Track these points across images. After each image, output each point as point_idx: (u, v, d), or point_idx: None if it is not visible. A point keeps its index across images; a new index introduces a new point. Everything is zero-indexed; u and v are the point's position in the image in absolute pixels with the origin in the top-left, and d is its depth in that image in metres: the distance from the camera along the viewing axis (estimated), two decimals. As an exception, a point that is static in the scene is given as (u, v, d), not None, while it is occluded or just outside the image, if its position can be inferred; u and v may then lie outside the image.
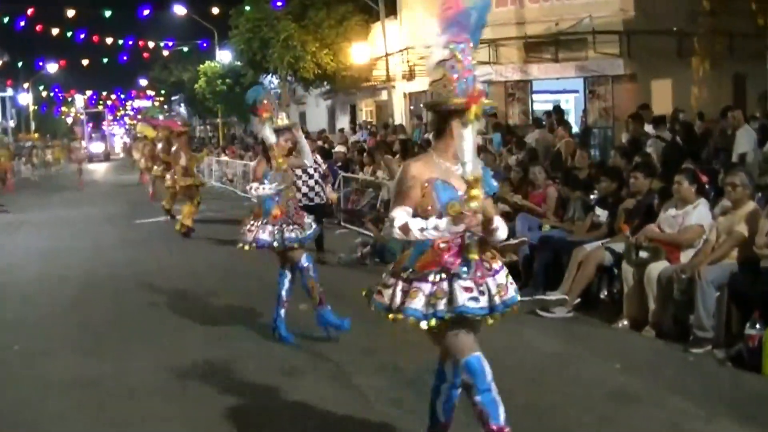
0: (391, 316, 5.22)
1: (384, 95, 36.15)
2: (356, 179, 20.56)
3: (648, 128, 17.20)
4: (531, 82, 28.99)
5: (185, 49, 62.81)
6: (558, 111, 22.45)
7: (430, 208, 5.19)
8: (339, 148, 26.18)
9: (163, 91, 79.28)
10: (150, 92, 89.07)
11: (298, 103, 52.84)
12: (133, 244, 18.33)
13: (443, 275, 5.19)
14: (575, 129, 22.88)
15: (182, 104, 78.86)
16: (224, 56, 52.96)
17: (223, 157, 40.38)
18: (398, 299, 5.22)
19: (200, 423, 7.24)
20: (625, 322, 9.76)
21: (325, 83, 39.42)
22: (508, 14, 28.55)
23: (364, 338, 9.31)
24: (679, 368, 8.27)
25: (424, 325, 5.11)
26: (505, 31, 28.61)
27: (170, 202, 21.98)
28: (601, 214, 11.31)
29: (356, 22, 36.88)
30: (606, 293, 11.03)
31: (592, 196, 12.29)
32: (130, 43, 52.52)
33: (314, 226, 9.90)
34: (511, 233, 12.12)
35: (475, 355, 5.37)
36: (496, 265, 5.45)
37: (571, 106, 29.83)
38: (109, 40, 50.73)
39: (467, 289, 5.16)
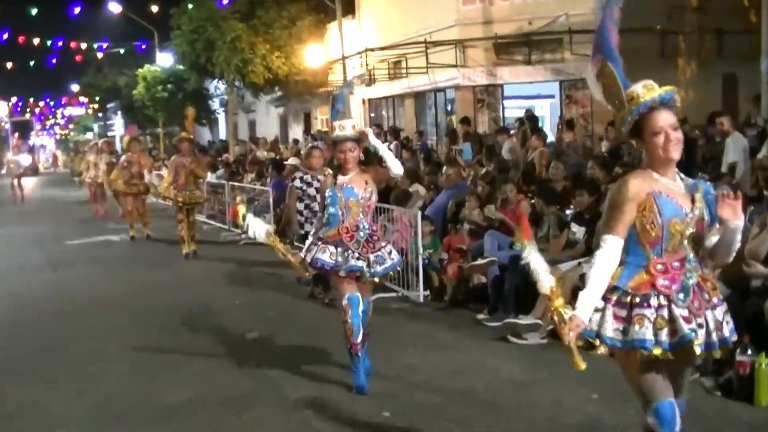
0: (602, 347, 5.32)
1: (341, 102, 36.14)
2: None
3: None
4: (502, 86, 29.08)
5: (121, 51, 62.54)
6: (531, 118, 22.54)
7: (651, 225, 5.12)
8: (292, 160, 26.13)
9: (97, 98, 78.74)
10: (83, 99, 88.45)
11: (247, 111, 52.83)
12: (62, 267, 18.19)
13: (662, 300, 5.10)
14: (550, 138, 22.95)
15: (119, 112, 78.42)
16: (165, 59, 52.73)
17: (164, 171, 40.18)
18: (611, 325, 5.20)
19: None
20: (604, 349, 9.76)
21: (277, 89, 39.38)
22: (475, 12, 28.70)
23: (316, 370, 9.35)
24: (662, 398, 8.29)
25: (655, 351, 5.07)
26: (473, 32, 28.75)
27: (140, 220, 22.39)
28: (578, 230, 11.36)
29: (310, 21, 36.89)
30: (583, 317, 11.04)
31: (567, 212, 12.34)
32: (60, 44, 52.32)
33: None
34: (479, 252, 12.18)
35: (669, 400, 5.29)
36: (716, 298, 5.28)
37: (546, 112, 29.99)
38: (36, 41, 50.45)
39: (686, 319, 5.05)
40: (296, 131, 43.63)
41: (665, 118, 5.12)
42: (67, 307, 13.70)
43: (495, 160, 16.90)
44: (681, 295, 5.10)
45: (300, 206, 13.15)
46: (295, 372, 9.53)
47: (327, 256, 8.62)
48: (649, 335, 5.06)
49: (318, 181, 10.29)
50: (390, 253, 8.92)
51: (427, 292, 13.08)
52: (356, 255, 8.63)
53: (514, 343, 10.39)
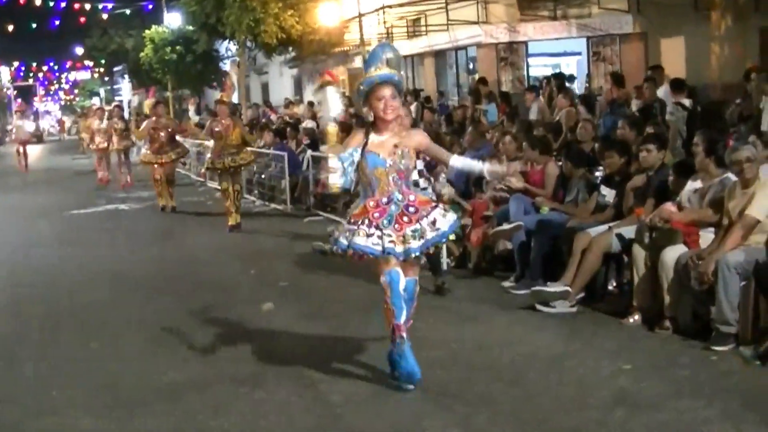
0: None
1: (358, 62, 36.03)
2: (326, 158, 20.40)
3: (661, 92, 17.14)
4: (526, 43, 28.98)
5: (127, 11, 62.57)
6: (558, 76, 22.43)
7: None
8: (307, 123, 26.11)
9: (102, 61, 78.81)
10: (88, 62, 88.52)
11: (260, 73, 52.76)
12: (67, 239, 18.22)
13: None
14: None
15: (125, 76, 78.47)
16: (173, 20, 52.71)
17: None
18: None
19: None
20: (637, 317, 9.71)
21: (290, 49, 39.25)
22: (498, -35, 28.49)
23: (332, 343, 9.40)
24: (699, 369, 8.22)
25: None
26: (496, -14, 28.58)
27: (167, 189, 21.63)
28: (607, 194, 11.26)
29: (324, -22, 36.69)
30: (615, 284, 11.02)
31: (596, 174, 12.25)
32: (63, 5, 52.25)
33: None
34: (504, 217, 12.11)
35: None
36: None
37: (573, 70, 29.84)
38: (37, 2, 50.41)
39: None
40: (311, 93, 43.53)
41: None
42: (71, 282, 13.65)
43: (518, 121, 16.77)
44: None
45: None
46: (309, 346, 9.50)
47: (363, 239, 7.63)
48: None
49: None
50: (434, 222, 7.78)
51: (450, 260, 13.00)
52: (389, 233, 7.64)
53: (542, 312, 10.32)
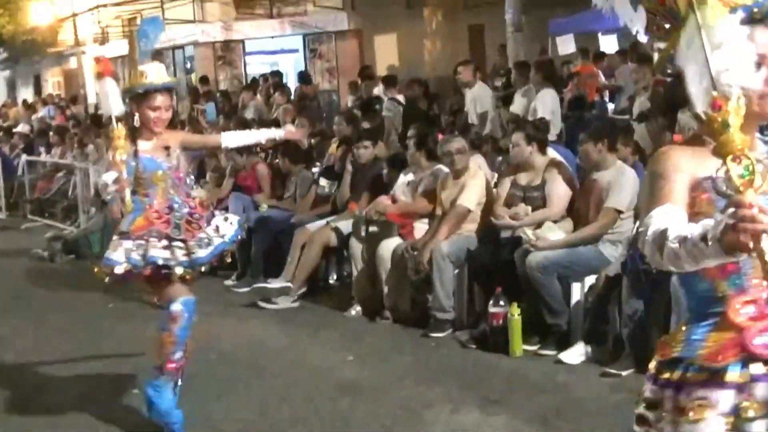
0: None
1: (73, 62, 35.25)
2: (43, 163, 19.90)
3: (378, 90, 17.50)
4: (243, 42, 29.00)
5: None
6: (275, 74, 22.60)
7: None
8: (21, 127, 25.34)
9: None
10: None
11: (-31, 76, 50.85)
12: None
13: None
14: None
15: None
16: None
17: None
18: None
19: None
20: (358, 309, 9.87)
21: (2, 50, 38.05)
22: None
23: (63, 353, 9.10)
24: (418, 355, 8.44)
25: None
26: (212, -15, 28.50)
27: None
28: (326, 184, 11.42)
29: (34, -25, 35.75)
30: (335, 278, 11.18)
31: (314, 169, 12.38)
32: None
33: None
34: (224, 215, 12.10)
35: None
36: None
37: (291, 67, 30.09)
38: None
39: None
40: (26, 95, 42.29)
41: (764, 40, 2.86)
42: None
43: (235, 119, 16.78)
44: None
45: None
46: (23, 357, 9.03)
47: (160, 251, 6.61)
48: None
49: None
50: (217, 229, 6.98)
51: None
52: (178, 244, 6.70)
53: (266, 309, 10.35)
